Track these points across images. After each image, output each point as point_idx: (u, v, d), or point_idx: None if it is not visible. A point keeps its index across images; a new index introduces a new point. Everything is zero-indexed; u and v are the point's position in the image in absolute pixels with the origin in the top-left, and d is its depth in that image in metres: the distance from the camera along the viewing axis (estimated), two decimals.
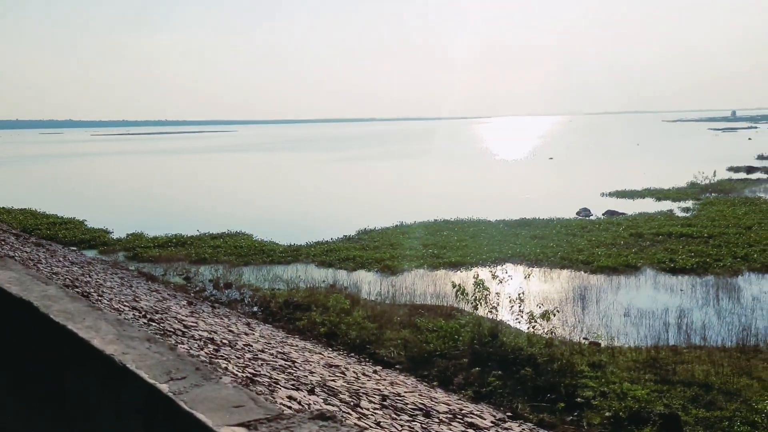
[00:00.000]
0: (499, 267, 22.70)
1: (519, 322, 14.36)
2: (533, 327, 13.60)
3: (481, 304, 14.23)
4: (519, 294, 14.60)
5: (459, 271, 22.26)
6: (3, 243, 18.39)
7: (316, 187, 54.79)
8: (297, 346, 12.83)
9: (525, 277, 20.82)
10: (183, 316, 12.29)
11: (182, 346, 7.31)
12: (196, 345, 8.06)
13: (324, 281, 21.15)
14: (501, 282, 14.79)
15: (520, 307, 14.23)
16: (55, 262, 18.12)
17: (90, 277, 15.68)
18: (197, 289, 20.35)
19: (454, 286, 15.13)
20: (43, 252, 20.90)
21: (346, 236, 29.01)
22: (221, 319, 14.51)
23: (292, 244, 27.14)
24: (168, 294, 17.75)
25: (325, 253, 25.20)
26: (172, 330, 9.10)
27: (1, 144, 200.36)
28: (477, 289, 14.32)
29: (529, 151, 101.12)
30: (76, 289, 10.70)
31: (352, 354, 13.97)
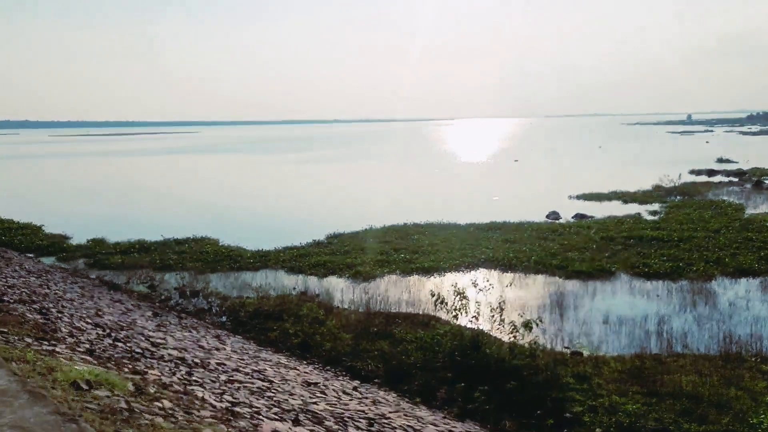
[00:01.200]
0: (472, 272, 22.43)
1: (500, 332, 14.01)
2: (515, 336, 13.26)
3: (461, 313, 13.82)
4: (499, 302, 14.21)
5: (433, 277, 21.87)
6: None
7: (282, 189, 53.95)
8: (271, 361, 12.22)
9: (500, 283, 20.56)
10: (150, 331, 11.59)
11: (152, 371, 6.68)
12: (167, 368, 7.43)
13: (295, 288, 20.55)
14: (481, 290, 14.37)
15: (500, 315, 13.87)
16: (11, 272, 17.10)
17: (48, 288, 14.78)
18: (162, 298, 19.51)
19: (432, 295, 14.71)
20: None
21: (315, 241, 28.40)
22: (190, 332, 13.80)
23: (261, 249, 26.41)
24: (132, 304, 16.92)
25: (294, 259, 24.56)
26: (140, 351, 8.43)
27: None
28: (456, 298, 13.90)
29: (492, 153, 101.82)
30: (34, 305, 9.93)
31: (329, 367, 13.42)
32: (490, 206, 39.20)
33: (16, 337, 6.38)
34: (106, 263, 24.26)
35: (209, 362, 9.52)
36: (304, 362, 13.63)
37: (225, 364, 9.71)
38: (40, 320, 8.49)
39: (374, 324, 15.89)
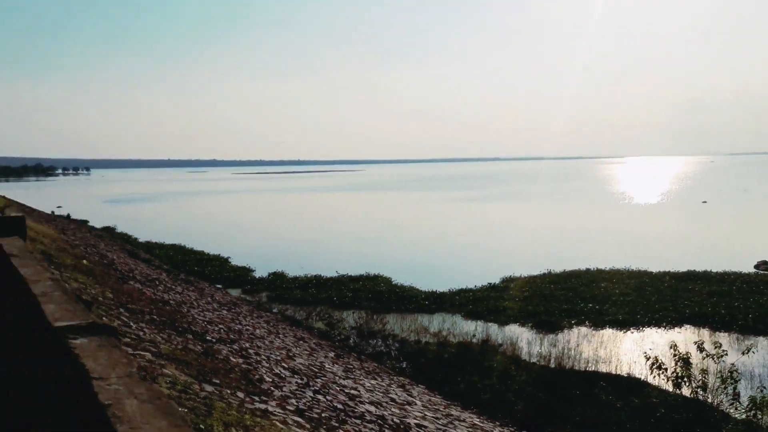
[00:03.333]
0: (675, 329, 19.79)
1: (735, 408, 11.69)
2: (753, 416, 10.94)
3: (685, 382, 11.74)
4: (730, 370, 11.90)
5: (629, 332, 19.55)
6: (157, 282, 18.36)
7: (450, 228, 53.28)
8: (465, 421, 11.09)
9: (714, 345, 17.78)
10: (340, 378, 11.00)
11: None
12: None
13: (474, 336, 19.32)
14: (708, 355, 12.16)
15: (734, 388, 11.58)
16: (205, 303, 17.74)
17: (240, 323, 14.96)
18: (341, 337, 19.25)
19: (647, 357, 12.74)
20: (193, 291, 20.83)
21: (490, 284, 27.08)
22: (375, 378, 13.12)
23: (434, 290, 25.60)
24: (314, 343, 16.75)
25: (470, 303, 23.41)
26: (340, 407, 7.74)
27: (154, 181, 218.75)
28: (678, 364, 11.86)
29: (674, 193, 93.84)
30: (233, 345, 9.71)
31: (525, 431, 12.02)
32: (682, 252, 35.38)
33: (229, 391, 5.85)
34: (286, 297, 24.80)
35: (408, 423, 8.62)
36: (497, 423, 12.34)
37: (425, 426, 8.75)
38: (243, 365, 8.10)
39: (570, 383, 14.21)
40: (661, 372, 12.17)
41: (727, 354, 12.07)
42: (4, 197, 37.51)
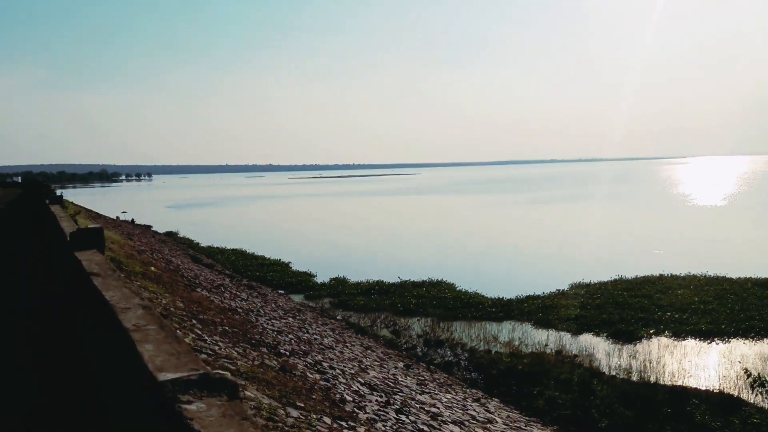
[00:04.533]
0: (766, 340, 18.40)
1: None
2: None
3: None
4: None
5: (714, 343, 18.30)
6: (222, 289, 18.27)
7: (510, 232, 52.08)
8: None
9: None
10: (416, 392, 10.46)
11: None
12: None
13: (547, 345, 18.46)
14: None
15: None
16: (270, 311, 17.53)
17: (307, 332, 14.63)
18: (408, 346, 18.72)
19: (747, 374, 11.71)
20: (257, 297, 20.70)
21: (558, 290, 26.03)
22: (450, 392, 12.52)
23: (500, 297, 24.78)
24: (382, 352, 16.28)
25: (540, 310, 22.48)
26: (426, 429, 7.18)
27: (213, 186, 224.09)
28: None
29: (744, 195, 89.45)
30: (306, 358, 9.30)
31: None
32: (761, 257, 33.36)
33: (315, 416, 5.38)
34: (349, 304, 24.44)
35: None
36: None
37: None
38: (321, 381, 7.67)
39: (657, 399, 13.25)
40: (764, 390, 11.11)
41: None
42: (72, 203, 38.65)
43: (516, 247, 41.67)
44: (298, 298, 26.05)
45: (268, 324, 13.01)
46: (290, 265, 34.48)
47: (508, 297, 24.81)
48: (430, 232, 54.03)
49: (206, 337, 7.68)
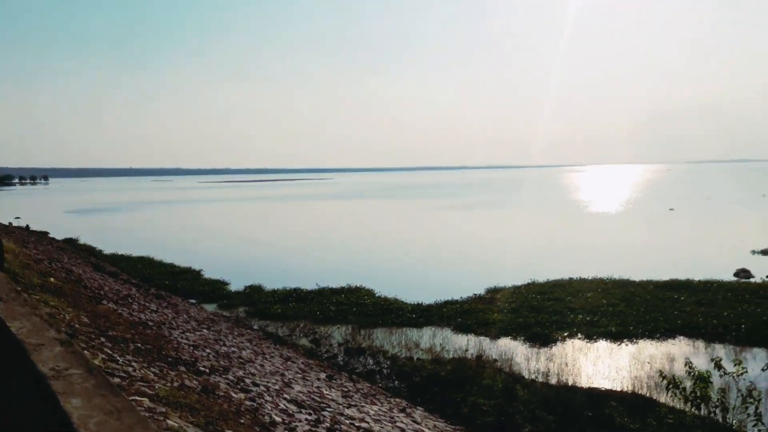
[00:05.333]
0: (669, 340, 19.35)
1: (758, 430, 11.10)
2: None
3: (705, 403, 11.12)
4: (749, 389, 11.34)
5: (624, 344, 19.01)
6: (130, 300, 17.12)
7: (426, 237, 52.59)
8: None
9: (709, 358, 17.34)
10: (342, 405, 10.08)
11: None
12: None
13: (467, 350, 18.54)
14: (726, 373, 11.57)
15: (756, 408, 11.00)
16: (183, 322, 16.59)
17: (224, 344, 13.90)
18: (328, 355, 18.28)
19: (662, 376, 12.09)
20: (167, 308, 19.61)
21: (476, 295, 26.38)
22: (375, 403, 12.20)
23: (419, 303, 24.80)
24: (302, 363, 15.76)
25: (459, 315, 22.65)
26: None
27: (117, 190, 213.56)
28: (697, 384, 11.25)
29: (641, 201, 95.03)
30: (228, 375, 8.72)
31: None
32: (660, 260, 35.32)
33: None
34: (265, 312, 23.68)
35: None
36: None
37: None
38: (247, 402, 7.15)
39: (577, 403, 13.51)
40: (678, 391, 11.52)
41: (747, 371, 11.48)
42: None
43: (432, 253, 42.08)
44: (211, 307, 24.99)
45: (182, 338, 12.21)
46: (202, 272, 33.16)
47: (428, 302, 24.88)
48: (347, 237, 53.72)
49: (118, 357, 6.98)
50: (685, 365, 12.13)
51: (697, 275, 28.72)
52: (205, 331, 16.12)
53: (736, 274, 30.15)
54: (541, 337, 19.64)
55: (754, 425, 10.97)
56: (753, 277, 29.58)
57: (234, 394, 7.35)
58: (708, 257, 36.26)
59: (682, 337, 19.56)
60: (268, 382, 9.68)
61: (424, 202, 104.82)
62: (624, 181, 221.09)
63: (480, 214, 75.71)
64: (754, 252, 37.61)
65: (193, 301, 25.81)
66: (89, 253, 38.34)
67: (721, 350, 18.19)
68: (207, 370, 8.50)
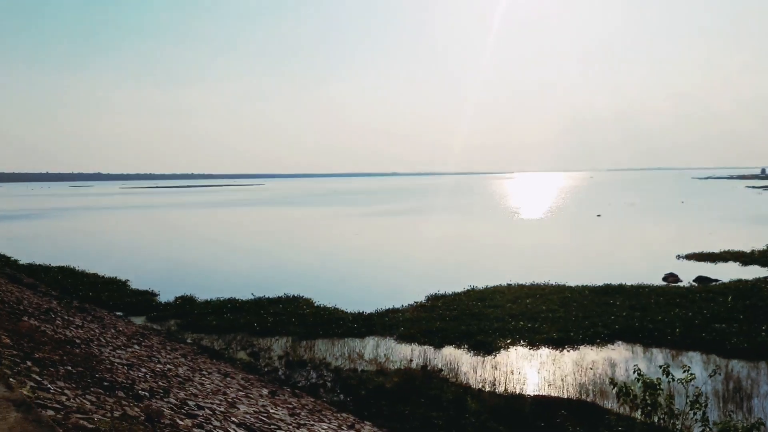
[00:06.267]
0: (609, 345, 19.65)
1: None
2: None
3: (656, 410, 11.14)
4: (696, 394, 11.46)
5: (566, 351, 19.14)
6: (52, 314, 15.81)
7: (361, 244, 52.12)
8: None
9: (649, 362, 17.71)
10: (293, 426, 9.48)
11: None
12: None
13: (412, 360, 18.20)
14: (674, 379, 11.63)
15: (703, 413, 11.11)
16: (111, 338, 15.44)
17: (159, 362, 12.96)
18: (269, 368, 17.51)
19: (613, 383, 12.07)
20: (93, 322, 18.29)
21: (416, 303, 26.15)
22: (323, 420, 11.62)
23: (360, 312, 24.32)
24: (242, 378, 14.96)
25: (401, 324, 22.29)
26: None
27: (33, 196, 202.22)
28: (647, 391, 11.26)
29: (570, 208, 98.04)
30: (169, 399, 7.96)
31: None
32: (592, 266, 36.25)
33: None
34: (199, 325, 22.57)
35: None
36: None
37: None
38: (195, 430, 6.45)
39: (528, 412, 13.37)
40: (628, 399, 11.51)
41: (695, 377, 11.59)
42: None
43: (369, 260, 41.68)
44: (139, 320, 23.62)
45: (114, 356, 11.25)
46: (128, 283, 31.49)
47: (368, 311, 24.43)
48: (281, 245, 52.58)
49: (48, 384, 6.16)
50: (634, 372, 12.16)
51: (629, 280, 29.59)
52: (136, 347, 15.05)
53: (664, 279, 31.22)
54: (485, 345, 19.53)
55: (702, 430, 11.07)
56: (681, 281, 30.70)
57: (180, 421, 6.65)
58: (637, 262, 37.46)
59: (621, 342, 19.89)
60: (212, 403, 8.95)
61: (357, 209, 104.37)
62: (551, 187, 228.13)
63: (413, 221, 75.94)
64: (679, 257, 39.18)
65: (119, 313, 24.34)
66: (4, 263, 35.78)
67: (659, 354, 18.61)
68: (147, 394, 7.72)
